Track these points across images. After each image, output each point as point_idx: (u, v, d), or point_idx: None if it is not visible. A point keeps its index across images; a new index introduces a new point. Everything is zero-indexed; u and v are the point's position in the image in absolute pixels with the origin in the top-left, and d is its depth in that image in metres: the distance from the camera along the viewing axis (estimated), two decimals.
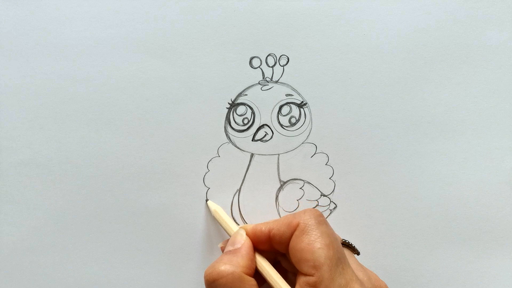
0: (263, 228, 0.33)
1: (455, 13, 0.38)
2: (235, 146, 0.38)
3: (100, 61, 0.37)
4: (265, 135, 0.38)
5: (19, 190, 0.37)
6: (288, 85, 0.38)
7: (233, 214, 0.38)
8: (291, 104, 0.38)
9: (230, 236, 0.35)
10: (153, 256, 0.38)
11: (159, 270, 0.38)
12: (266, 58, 0.38)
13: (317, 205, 0.38)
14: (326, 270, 0.30)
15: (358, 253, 0.35)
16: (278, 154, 0.38)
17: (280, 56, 0.38)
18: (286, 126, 0.38)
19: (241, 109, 0.38)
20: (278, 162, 0.38)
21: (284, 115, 0.38)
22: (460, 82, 0.38)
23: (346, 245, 0.35)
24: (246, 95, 0.38)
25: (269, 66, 0.38)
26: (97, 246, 0.37)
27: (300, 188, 0.38)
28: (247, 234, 0.34)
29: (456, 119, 0.38)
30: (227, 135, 0.38)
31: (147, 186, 0.37)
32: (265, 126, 0.38)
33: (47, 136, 0.37)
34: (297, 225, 0.32)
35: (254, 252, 0.33)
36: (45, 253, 0.37)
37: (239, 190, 0.38)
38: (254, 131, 0.38)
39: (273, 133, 0.38)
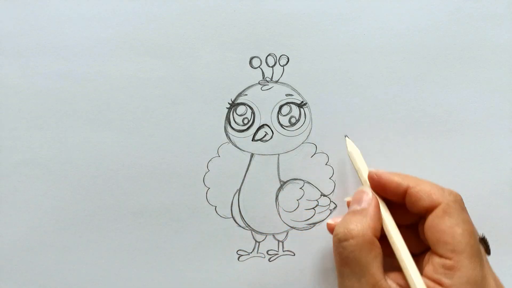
0: (402, 182, 0.33)
1: (455, 13, 0.38)
2: (235, 146, 0.38)
3: (100, 61, 0.37)
4: (265, 135, 0.38)
5: (19, 190, 0.37)
6: (288, 85, 0.38)
7: (233, 214, 0.38)
8: (291, 104, 0.38)
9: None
10: (153, 256, 0.38)
11: (159, 270, 0.38)
12: (266, 58, 0.38)
13: (317, 205, 0.38)
14: (466, 257, 0.30)
15: (489, 253, 0.34)
16: (278, 154, 0.38)
17: (280, 56, 0.38)
18: (286, 126, 0.38)
19: (241, 109, 0.38)
20: (278, 162, 0.38)
21: (284, 115, 0.38)
22: (460, 82, 0.38)
23: (483, 241, 0.34)
24: (246, 95, 0.38)
25: (269, 66, 0.38)
26: (97, 246, 0.37)
27: (300, 188, 0.38)
28: (377, 182, 0.33)
29: (456, 119, 0.38)
30: (227, 135, 0.38)
31: (147, 186, 0.37)
32: (265, 126, 0.38)
33: (47, 136, 0.37)
34: (439, 204, 0.31)
35: (380, 212, 0.33)
36: (45, 253, 0.37)
37: (239, 190, 0.38)
38: (254, 131, 0.38)
39: (273, 133, 0.38)
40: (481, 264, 0.30)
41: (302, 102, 0.38)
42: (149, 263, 0.38)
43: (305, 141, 0.38)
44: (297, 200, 0.38)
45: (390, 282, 0.31)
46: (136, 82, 0.37)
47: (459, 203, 0.32)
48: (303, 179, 0.38)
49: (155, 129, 0.37)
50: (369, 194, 0.33)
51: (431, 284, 0.30)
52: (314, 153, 0.38)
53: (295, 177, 0.38)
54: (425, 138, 0.38)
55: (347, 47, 0.38)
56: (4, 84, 0.37)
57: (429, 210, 0.32)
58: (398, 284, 0.31)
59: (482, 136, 0.39)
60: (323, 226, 0.38)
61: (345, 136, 0.37)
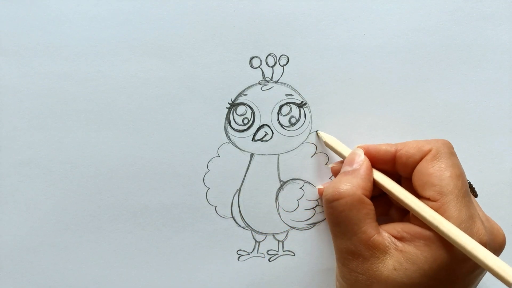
0: (389, 148, 0.33)
1: (455, 13, 0.38)
2: (235, 146, 0.38)
3: (100, 61, 0.37)
4: (265, 135, 0.38)
5: (19, 190, 0.37)
6: (288, 85, 0.38)
7: (233, 214, 0.38)
8: (291, 104, 0.38)
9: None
10: (153, 256, 0.38)
11: (159, 270, 0.38)
12: (266, 58, 0.38)
13: (317, 205, 0.38)
14: (452, 198, 0.30)
15: (476, 196, 0.35)
16: (278, 154, 0.38)
17: (280, 56, 0.38)
18: (286, 126, 0.38)
19: (241, 109, 0.38)
20: (278, 162, 0.38)
21: (284, 115, 0.38)
22: (460, 82, 0.38)
23: (469, 185, 0.34)
24: (246, 95, 0.38)
25: (269, 66, 0.38)
26: (97, 246, 0.37)
27: (300, 188, 0.38)
28: (366, 154, 0.34)
29: (456, 119, 0.38)
30: (227, 135, 0.38)
31: (147, 186, 0.37)
32: (265, 126, 0.38)
33: (47, 136, 0.37)
34: (429, 151, 0.32)
35: (372, 173, 0.33)
36: (45, 253, 0.37)
37: (239, 190, 0.38)
38: (254, 131, 0.38)
39: (273, 133, 0.38)
40: (469, 205, 0.30)
41: (302, 102, 0.38)
42: (149, 263, 0.38)
43: (305, 141, 0.38)
44: (297, 200, 0.38)
45: (385, 234, 0.31)
46: (136, 82, 0.37)
47: (448, 147, 0.32)
48: (303, 179, 0.38)
49: (155, 129, 0.37)
50: (361, 156, 0.34)
51: (418, 229, 0.30)
52: (314, 153, 0.38)
53: (295, 177, 0.38)
54: (425, 138, 0.38)
55: (347, 47, 0.38)
56: (4, 84, 0.37)
57: (418, 160, 0.32)
58: (393, 235, 0.31)
59: (482, 136, 0.39)
60: (323, 226, 0.38)
61: (316, 132, 0.38)
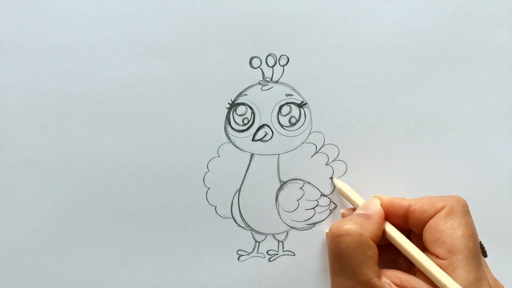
0: (403, 202, 0.33)
1: (455, 13, 0.38)
2: (235, 146, 0.38)
3: (100, 61, 0.37)
4: (265, 135, 0.38)
5: (19, 190, 0.37)
6: (288, 85, 0.38)
7: (233, 214, 0.38)
8: (291, 104, 0.38)
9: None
10: (153, 256, 0.38)
11: (159, 270, 0.38)
12: (266, 58, 0.38)
13: (317, 205, 0.38)
14: (462, 258, 0.30)
15: (486, 255, 0.34)
16: (278, 154, 0.38)
17: (280, 56, 0.38)
18: (286, 126, 0.38)
19: (241, 109, 0.38)
20: (278, 162, 0.38)
21: (284, 115, 0.38)
22: (460, 82, 0.38)
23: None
24: (246, 95, 0.38)
25: (269, 66, 0.38)
26: (97, 246, 0.37)
27: (300, 188, 0.38)
28: (381, 205, 0.34)
29: (456, 119, 0.38)
30: (227, 135, 0.38)
31: (147, 186, 0.37)
32: (265, 126, 0.38)
33: (47, 136, 0.37)
34: (443, 208, 0.32)
35: (384, 223, 0.33)
36: (45, 253, 0.37)
37: (239, 190, 0.38)
38: (254, 131, 0.38)
39: (273, 133, 0.38)
40: (479, 267, 0.30)
41: (302, 102, 0.38)
42: (149, 263, 0.38)
43: (305, 141, 0.38)
44: (297, 200, 0.38)
45: (386, 280, 0.30)
46: (136, 82, 0.37)
47: (463, 205, 0.32)
48: (303, 179, 0.38)
49: (155, 129, 0.37)
50: (377, 204, 0.34)
51: (424, 285, 0.30)
52: (314, 153, 0.38)
53: (295, 177, 0.38)
54: (425, 138, 0.38)
55: (347, 47, 0.38)
56: (4, 84, 0.37)
57: (431, 216, 0.32)
58: (395, 283, 0.31)
59: (482, 136, 0.39)
60: (323, 226, 0.38)
61: (331, 178, 0.38)
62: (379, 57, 0.38)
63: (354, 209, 0.36)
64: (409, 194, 0.38)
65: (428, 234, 0.31)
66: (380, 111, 0.38)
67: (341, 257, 0.31)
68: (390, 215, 0.34)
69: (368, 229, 0.31)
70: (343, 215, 0.36)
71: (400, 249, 0.33)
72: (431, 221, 0.32)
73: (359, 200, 0.36)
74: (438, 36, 0.38)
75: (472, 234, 0.31)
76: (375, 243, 0.31)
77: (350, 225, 0.31)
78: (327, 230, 0.36)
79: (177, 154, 0.37)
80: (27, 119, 0.37)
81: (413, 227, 0.33)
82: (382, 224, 0.33)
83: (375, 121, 0.38)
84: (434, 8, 0.38)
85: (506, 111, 0.39)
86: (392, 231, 0.33)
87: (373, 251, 0.31)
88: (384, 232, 0.33)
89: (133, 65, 0.37)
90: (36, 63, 0.37)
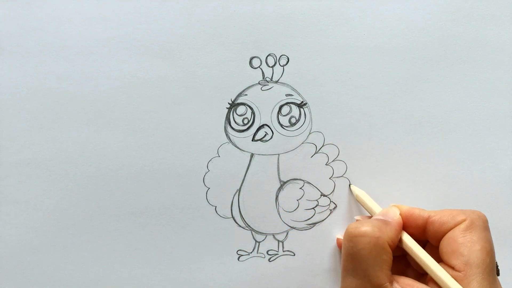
0: (422, 213, 0.34)
1: (455, 13, 0.38)
2: (235, 146, 0.38)
3: (100, 61, 0.37)
4: (265, 135, 0.38)
5: (19, 190, 0.37)
6: (288, 85, 0.38)
7: (233, 214, 0.38)
8: (291, 104, 0.38)
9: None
10: (153, 256, 0.38)
11: (159, 270, 0.38)
12: (266, 58, 0.38)
13: (317, 205, 0.38)
14: (477, 273, 0.30)
15: (498, 274, 0.34)
16: (278, 154, 0.38)
17: (280, 56, 0.38)
18: (286, 126, 0.38)
19: (241, 109, 0.38)
20: (278, 162, 0.38)
21: (284, 115, 0.38)
22: (460, 82, 0.38)
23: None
24: (246, 95, 0.38)
25: (269, 66, 0.38)
26: (97, 246, 0.37)
27: (300, 188, 0.38)
28: (400, 214, 0.34)
29: (456, 119, 0.38)
30: (227, 135, 0.38)
31: (147, 186, 0.37)
32: (265, 126, 0.38)
33: (47, 136, 0.37)
34: (463, 221, 0.32)
35: (401, 232, 0.33)
36: (45, 253, 0.37)
37: (239, 190, 0.38)
38: (254, 131, 0.38)
39: (273, 133, 0.38)
40: (494, 284, 0.30)
41: (302, 102, 0.38)
42: (149, 263, 0.38)
43: (305, 141, 0.38)
44: (297, 200, 0.38)
45: (397, 286, 0.30)
46: (136, 82, 0.37)
47: (483, 221, 0.32)
48: (303, 179, 0.38)
49: (155, 129, 0.37)
50: (396, 213, 0.34)
51: None
52: (314, 153, 0.38)
53: (295, 177, 0.38)
54: (425, 138, 0.38)
55: (347, 47, 0.38)
56: (4, 84, 0.37)
57: (450, 228, 0.32)
58: None
59: (482, 136, 0.39)
60: (323, 226, 0.38)
61: (349, 185, 0.38)
62: (379, 57, 0.38)
63: (370, 217, 0.36)
64: (409, 194, 0.38)
65: (445, 245, 0.32)
66: (380, 111, 0.38)
67: (355, 257, 0.31)
68: (408, 225, 0.34)
69: (386, 234, 0.32)
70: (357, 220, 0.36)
71: (416, 258, 0.33)
72: (450, 232, 0.32)
73: (376, 208, 0.36)
74: (438, 36, 0.38)
75: (490, 250, 0.31)
76: (391, 249, 0.32)
77: (368, 227, 0.31)
78: (336, 235, 0.37)
79: (177, 154, 0.37)
80: (27, 119, 0.37)
81: (430, 238, 0.33)
82: (400, 232, 0.33)
83: (375, 121, 0.38)
84: (434, 8, 0.38)
85: (506, 111, 0.39)
86: (409, 240, 0.33)
87: (388, 256, 0.31)
88: (400, 241, 0.33)
89: (133, 65, 0.37)
90: (36, 63, 0.37)
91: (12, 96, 0.37)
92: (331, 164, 0.38)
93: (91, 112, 0.37)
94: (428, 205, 0.38)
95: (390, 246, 0.31)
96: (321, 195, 0.38)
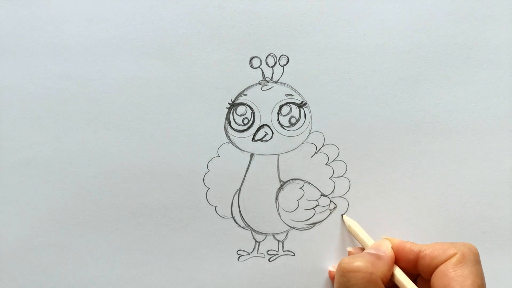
0: (413, 247, 0.34)
1: (455, 13, 0.38)
2: (235, 146, 0.38)
3: (100, 61, 0.37)
4: (265, 135, 0.38)
5: (19, 190, 0.37)
6: (288, 85, 0.38)
7: (233, 214, 0.38)
8: (291, 104, 0.38)
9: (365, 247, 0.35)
10: (153, 256, 0.38)
11: (159, 270, 0.38)
12: (266, 58, 0.38)
13: (317, 205, 0.38)
14: None
15: None
16: (278, 154, 0.38)
17: (280, 56, 0.38)
18: (286, 126, 0.38)
19: (241, 109, 0.38)
20: (278, 162, 0.38)
21: (284, 115, 0.38)
22: (460, 82, 0.38)
23: None
24: (246, 95, 0.38)
25: (269, 66, 0.38)
26: (97, 246, 0.37)
27: (300, 188, 0.38)
28: (392, 247, 0.34)
29: (456, 119, 0.38)
30: (227, 135, 0.38)
31: (147, 186, 0.37)
32: (265, 126, 0.38)
33: (47, 136, 0.37)
34: (454, 255, 0.32)
35: (394, 264, 0.33)
36: (45, 253, 0.37)
37: (239, 190, 0.38)
38: (254, 131, 0.38)
39: (273, 133, 0.38)
40: None
41: (302, 102, 0.38)
42: (149, 263, 0.38)
43: (305, 141, 0.38)
44: (297, 200, 0.38)
45: None
46: (136, 82, 0.37)
47: (474, 254, 0.32)
48: (303, 179, 0.38)
49: (155, 129, 0.37)
50: (388, 246, 0.34)
51: None
52: (314, 153, 0.38)
53: (295, 177, 0.38)
54: (425, 138, 0.38)
55: (347, 47, 0.38)
56: (4, 84, 0.37)
57: (441, 262, 0.32)
58: None
59: (482, 136, 0.39)
60: (323, 226, 0.38)
61: (342, 215, 0.38)
62: (379, 57, 0.38)
63: (362, 249, 0.36)
64: (409, 195, 0.38)
65: (437, 279, 0.32)
66: (380, 111, 0.38)
67: None
68: (399, 259, 0.34)
69: (379, 269, 0.32)
70: (350, 254, 0.36)
71: None
72: (441, 266, 0.32)
73: (368, 240, 0.36)
74: (438, 36, 0.38)
75: (481, 284, 0.31)
76: (383, 284, 0.32)
77: (361, 262, 0.32)
78: (329, 267, 0.37)
79: (177, 154, 0.37)
80: (27, 119, 0.37)
81: (422, 272, 0.33)
82: (392, 267, 0.33)
83: (375, 121, 0.38)
84: (434, 8, 0.38)
85: (506, 111, 0.39)
86: (401, 276, 0.33)
87: None
88: (392, 275, 0.33)
89: (133, 65, 0.37)
90: (36, 63, 0.37)
91: (12, 96, 0.37)
92: (331, 164, 0.38)
93: (91, 112, 0.37)
94: (428, 206, 0.38)
95: (382, 281, 0.32)
96: (321, 195, 0.38)
